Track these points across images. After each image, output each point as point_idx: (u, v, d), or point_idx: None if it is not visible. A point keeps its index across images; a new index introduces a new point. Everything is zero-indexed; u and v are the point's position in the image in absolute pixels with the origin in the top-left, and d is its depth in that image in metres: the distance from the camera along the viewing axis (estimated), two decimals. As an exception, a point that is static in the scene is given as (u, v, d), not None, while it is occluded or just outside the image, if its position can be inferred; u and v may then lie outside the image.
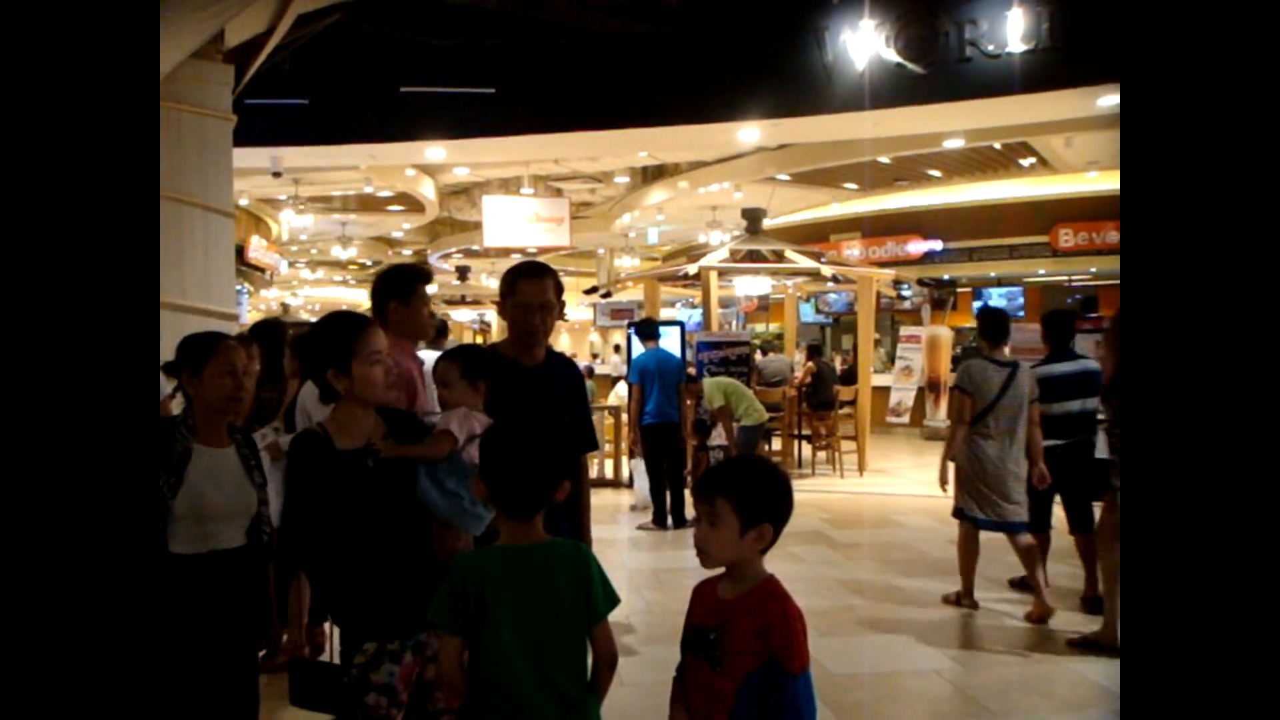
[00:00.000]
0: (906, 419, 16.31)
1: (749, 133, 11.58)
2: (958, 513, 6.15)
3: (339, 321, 2.79)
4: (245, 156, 10.30)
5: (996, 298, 20.55)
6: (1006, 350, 6.32)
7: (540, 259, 24.50)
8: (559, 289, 3.42)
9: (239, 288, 17.01)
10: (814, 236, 19.34)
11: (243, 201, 17.18)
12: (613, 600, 2.27)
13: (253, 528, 2.98)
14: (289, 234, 22.39)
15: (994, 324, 6.29)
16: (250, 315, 23.59)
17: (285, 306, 34.94)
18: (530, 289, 3.32)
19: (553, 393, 3.37)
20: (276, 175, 13.40)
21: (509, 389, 3.20)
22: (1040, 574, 5.91)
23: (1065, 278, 20.07)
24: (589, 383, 12.40)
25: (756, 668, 2.09)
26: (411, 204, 19.15)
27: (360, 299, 35.89)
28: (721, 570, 2.24)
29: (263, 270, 19.47)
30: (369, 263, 30.07)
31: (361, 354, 2.69)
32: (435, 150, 12.65)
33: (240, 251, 16.67)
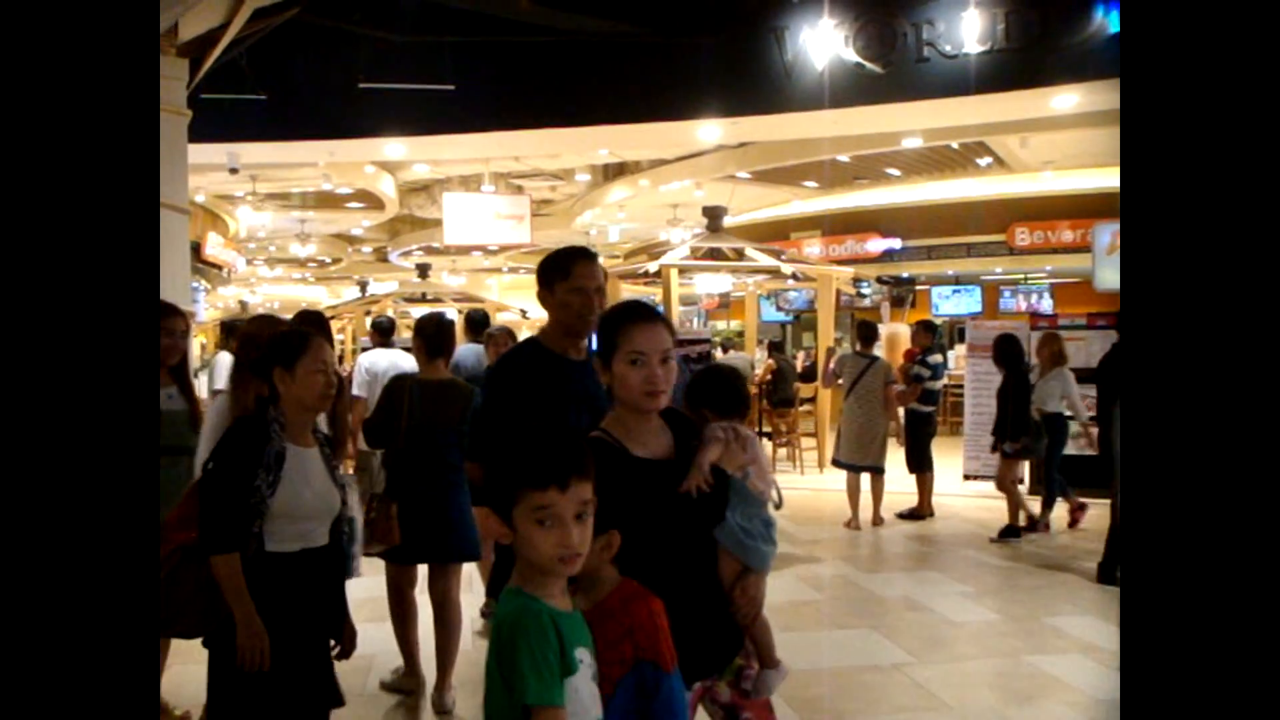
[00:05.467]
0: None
1: (709, 131, 11.61)
2: (835, 461, 9.02)
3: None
4: (202, 152, 10.17)
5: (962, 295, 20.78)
6: (873, 349, 9.31)
7: (501, 256, 24.23)
8: (605, 274, 3.21)
9: (195, 285, 16.78)
10: (774, 234, 19.41)
11: (199, 198, 16.95)
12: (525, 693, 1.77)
13: (334, 527, 3.00)
14: (247, 231, 22.13)
15: (865, 332, 9.37)
16: (208, 314, 23.28)
17: (243, 304, 34.53)
18: (586, 271, 3.07)
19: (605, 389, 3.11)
20: (234, 171, 13.24)
21: (558, 386, 2.98)
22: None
23: (1022, 275, 20.33)
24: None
25: (626, 673, 2.00)
26: (371, 201, 19.00)
27: (319, 297, 35.56)
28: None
29: (220, 268, 19.23)
30: (328, 260, 29.81)
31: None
32: (395, 147, 12.56)
33: (197, 249, 16.44)
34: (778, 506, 2.68)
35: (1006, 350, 8.35)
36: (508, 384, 3.08)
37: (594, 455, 2.15)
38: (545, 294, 3.12)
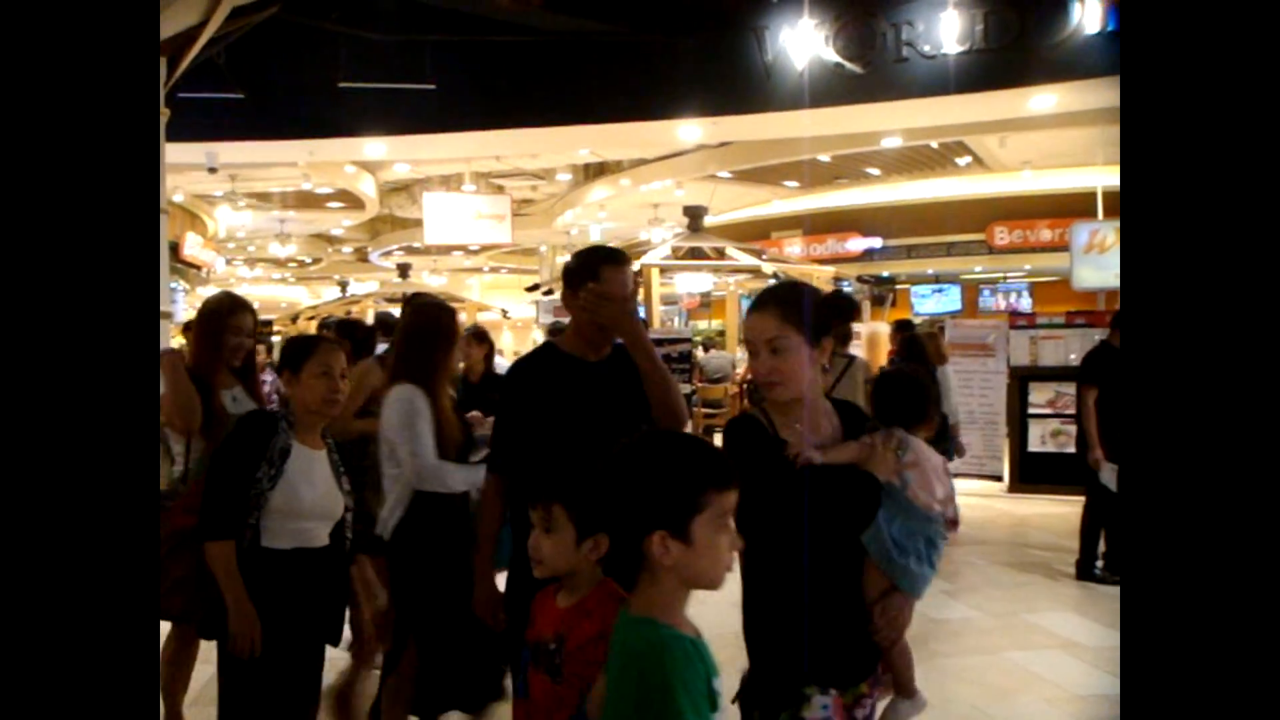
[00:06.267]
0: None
1: (690, 130, 11.62)
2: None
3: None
4: (180, 151, 10.10)
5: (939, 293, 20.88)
6: (849, 349, 8.71)
7: (482, 255, 24.14)
8: (636, 280, 3.07)
9: (174, 285, 16.67)
10: (755, 234, 19.47)
11: (177, 198, 16.84)
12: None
13: (335, 530, 3.04)
14: (226, 231, 22.01)
15: (842, 330, 8.65)
16: (187, 314, 23.12)
17: (222, 304, 34.19)
18: (615, 277, 2.89)
19: (622, 389, 2.93)
20: (212, 171, 13.16)
21: (572, 388, 2.88)
22: None
23: (1001, 274, 20.46)
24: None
25: (599, 675, 1.84)
26: (351, 201, 18.93)
27: (299, 297, 35.38)
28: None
29: (199, 268, 19.11)
30: (308, 260, 29.67)
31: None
32: (375, 146, 12.51)
33: (175, 249, 16.34)
34: (952, 527, 2.44)
35: (911, 350, 8.37)
36: (521, 391, 2.96)
37: (739, 429, 2.18)
38: (569, 296, 2.94)
